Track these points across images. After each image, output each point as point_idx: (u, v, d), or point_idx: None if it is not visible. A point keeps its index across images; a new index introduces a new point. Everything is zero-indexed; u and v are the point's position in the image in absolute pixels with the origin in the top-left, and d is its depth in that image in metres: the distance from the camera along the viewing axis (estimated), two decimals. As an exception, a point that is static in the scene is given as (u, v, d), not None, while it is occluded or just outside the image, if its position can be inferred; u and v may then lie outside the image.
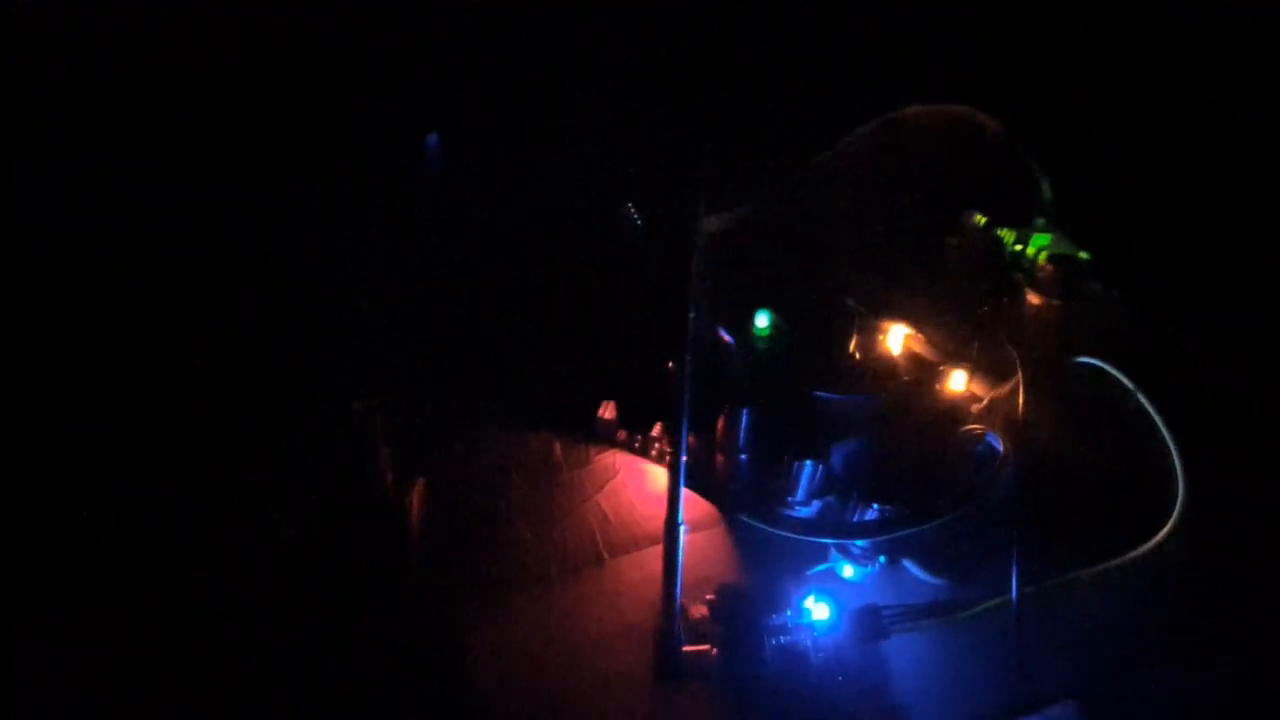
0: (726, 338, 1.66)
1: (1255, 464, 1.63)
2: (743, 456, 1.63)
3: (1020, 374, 1.68)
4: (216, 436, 1.74)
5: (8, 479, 1.63)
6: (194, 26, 2.32)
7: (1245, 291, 1.92)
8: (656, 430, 1.72)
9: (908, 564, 1.58)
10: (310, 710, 1.44)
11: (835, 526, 1.56)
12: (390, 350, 1.87)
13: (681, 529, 1.46)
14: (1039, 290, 1.86)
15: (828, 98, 2.21)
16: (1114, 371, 1.72)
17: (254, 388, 1.82)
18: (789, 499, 1.58)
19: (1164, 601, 1.53)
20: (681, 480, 1.49)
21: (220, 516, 1.63)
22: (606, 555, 1.60)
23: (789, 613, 1.47)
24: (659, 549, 1.53)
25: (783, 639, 1.45)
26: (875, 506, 1.53)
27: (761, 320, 1.79)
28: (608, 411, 1.74)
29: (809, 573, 1.58)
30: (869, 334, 1.78)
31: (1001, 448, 1.57)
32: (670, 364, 1.71)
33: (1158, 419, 1.66)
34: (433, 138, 2.26)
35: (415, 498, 1.64)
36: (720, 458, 1.64)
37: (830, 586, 1.53)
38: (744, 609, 1.48)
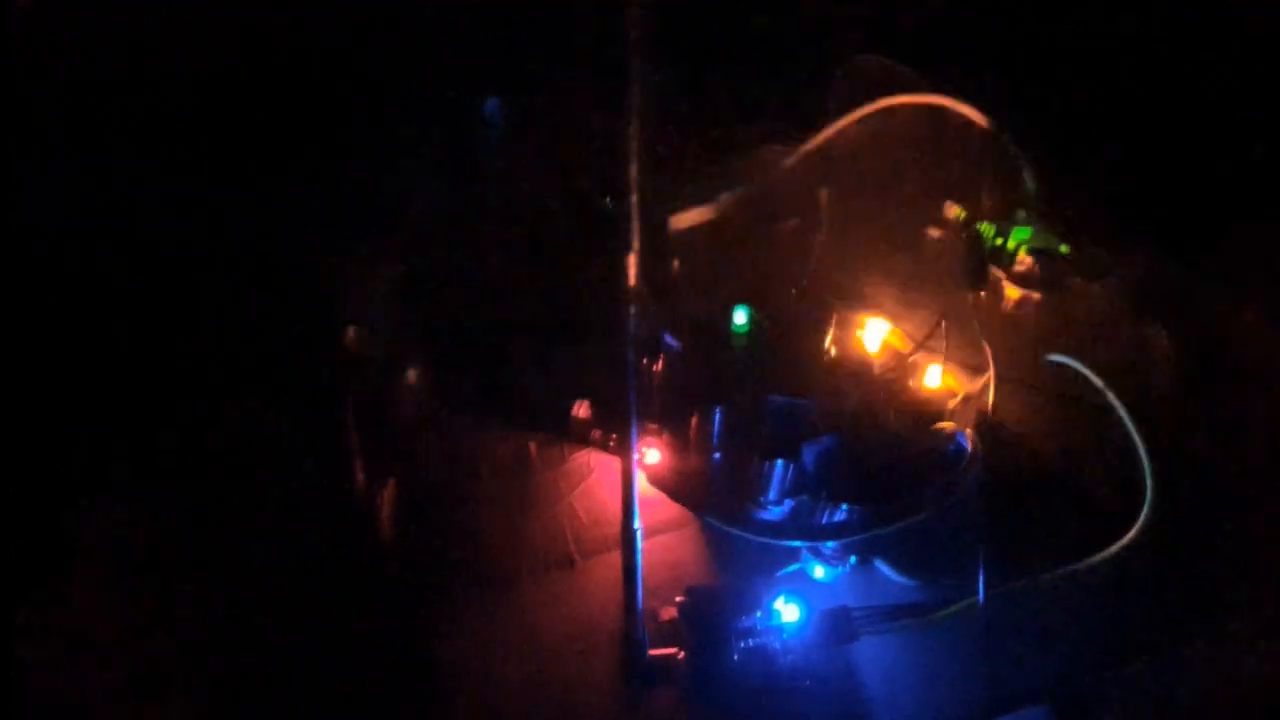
0: (671, 341, 1.63)
1: (1222, 463, 1.60)
2: (716, 455, 1.62)
3: (991, 370, 1.65)
4: (216, 436, 1.75)
5: (7, 479, 1.65)
6: (194, 26, 2.33)
7: (1222, 287, 1.89)
8: (631, 428, 1.71)
9: (879, 564, 1.56)
10: (274, 707, 1.45)
11: (799, 529, 1.54)
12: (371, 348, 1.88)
13: (638, 534, 1.45)
14: (1017, 284, 1.83)
15: (808, 87, 2.18)
16: (1084, 370, 1.69)
17: (253, 387, 1.82)
18: (761, 498, 1.56)
19: (1132, 602, 1.51)
20: (635, 485, 1.47)
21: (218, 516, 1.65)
22: (578, 556, 1.60)
23: (759, 614, 1.46)
24: (632, 549, 1.53)
25: (751, 641, 1.44)
26: (844, 507, 1.51)
27: (740, 317, 1.77)
28: (582, 411, 1.74)
29: (780, 573, 1.57)
30: (846, 329, 1.76)
31: (970, 447, 1.55)
32: (645, 361, 1.70)
33: (1126, 418, 1.63)
34: (492, 102, 2.25)
35: (387, 496, 1.65)
36: (695, 457, 1.63)
37: (801, 587, 1.52)
38: (713, 611, 1.46)
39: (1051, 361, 1.74)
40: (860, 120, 2.11)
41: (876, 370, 1.68)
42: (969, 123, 2.05)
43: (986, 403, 1.64)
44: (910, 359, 1.72)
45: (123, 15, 2.31)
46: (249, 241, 2.06)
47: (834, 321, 1.71)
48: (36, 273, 1.96)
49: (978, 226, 1.92)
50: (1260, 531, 1.57)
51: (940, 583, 1.52)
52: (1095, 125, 2.15)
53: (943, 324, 1.71)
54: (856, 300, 1.82)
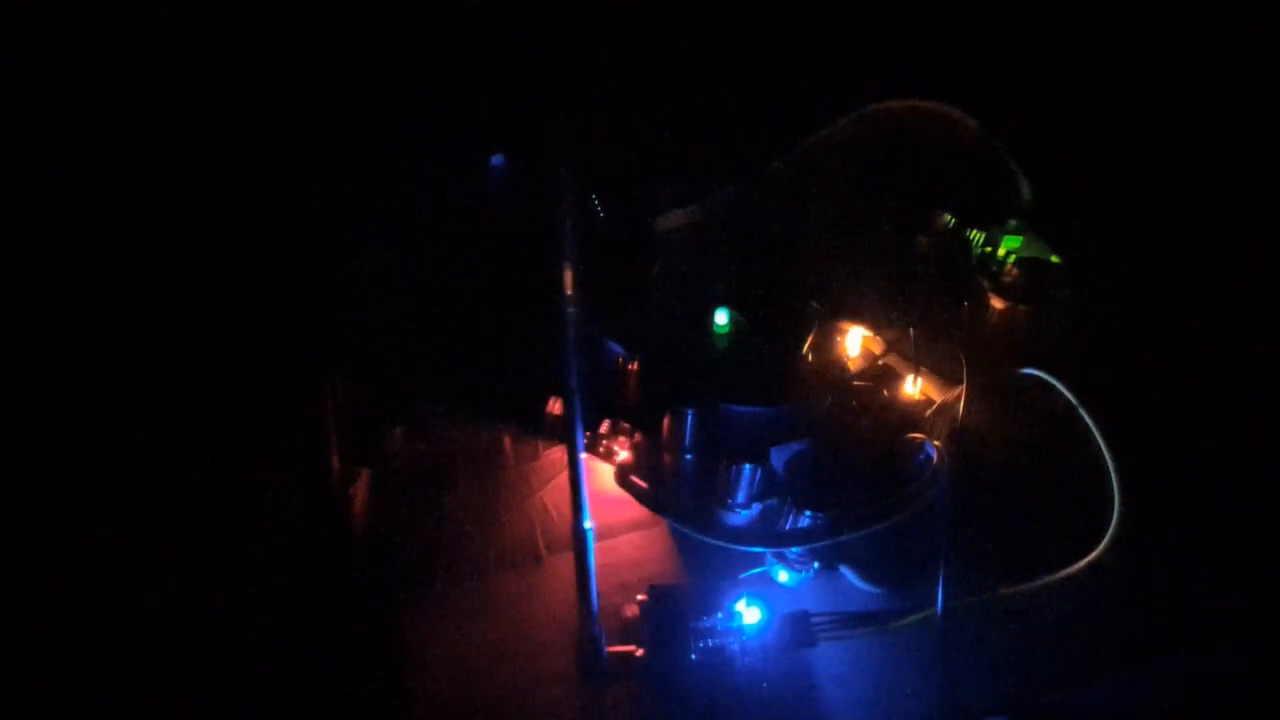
0: (615, 348, 1.64)
1: (1190, 480, 1.58)
2: (688, 457, 1.63)
3: (965, 381, 1.64)
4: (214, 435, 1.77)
5: (8, 479, 1.67)
6: (194, 26, 2.35)
7: (1209, 302, 1.86)
8: (604, 427, 1.71)
9: (845, 570, 1.56)
10: (245, 701, 1.46)
11: (758, 534, 1.54)
12: (347, 340, 1.90)
13: (589, 533, 1.45)
14: (1003, 295, 1.81)
15: (798, 92, 2.17)
16: (1057, 384, 1.68)
17: (252, 387, 1.84)
18: (730, 501, 1.56)
19: (1096, 618, 1.50)
20: (583, 485, 1.48)
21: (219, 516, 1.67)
22: (545, 552, 1.61)
23: (720, 615, 1.47)
24: (600, 546, 1.54)
25: (710, 642, 1.45)
26: (808, 513, 1.51)
27: (721, 318, 1.78)
28: (556, 407, 1.74)
29: (743, 576, 1.57)
30: (827, 335, 1.75)
31: (937, 458, 1.54)
32: (621, 359, 1.71)
33: (1097, 433, 1.61)
34: (498, 159, 2.24)
35: (360, 488, 1.67)
36: (663, 458, 1.63)
37: (765, 590, 1.52)
38: (673, 610, 1.47)
39: (1025, 375, 1.72)
40: (848, 124, 2.09)
41: (852, 377, 1.67)
42: (959, 127, 2.03)
43: (958, 414, 1.63)
44: (885, 366, 1.71)
45: (123, 15, 2.33)
46: (249, 241, 2.07)
47: (815, 328, 1.71)
48: (36, 273, 1.98)
49: (967, 234, 1.90)
50: (1229, 551, 1.55)
51: (904, 592, 1.52)
52: (1090, 130, 2.12)
53: (912, 332, 1.69)
54: (839, 306, 1.81)
